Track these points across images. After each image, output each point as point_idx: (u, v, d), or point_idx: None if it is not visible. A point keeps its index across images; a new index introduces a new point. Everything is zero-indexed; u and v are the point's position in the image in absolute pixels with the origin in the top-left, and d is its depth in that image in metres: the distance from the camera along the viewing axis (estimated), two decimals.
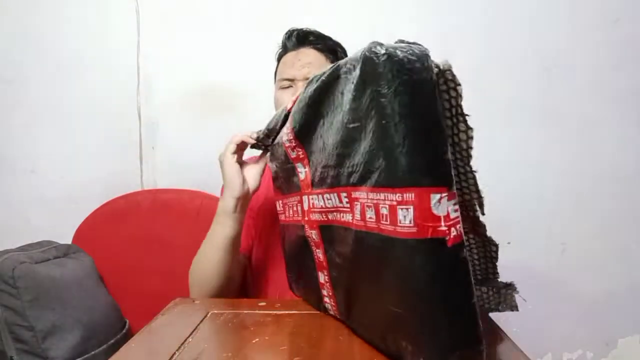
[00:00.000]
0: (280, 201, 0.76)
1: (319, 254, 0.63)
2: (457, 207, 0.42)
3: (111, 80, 1.34)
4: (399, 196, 0.42)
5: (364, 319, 0.56)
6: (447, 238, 0.41)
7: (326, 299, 0.64)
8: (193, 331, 0.61)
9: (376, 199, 0.45)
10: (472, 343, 0.43)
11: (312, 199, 0.61)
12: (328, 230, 0.59)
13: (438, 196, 0.41)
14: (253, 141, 0.77)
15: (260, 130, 0.76)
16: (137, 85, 1.35)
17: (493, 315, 0.69)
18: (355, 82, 0.46)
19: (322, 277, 0.64)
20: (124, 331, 1.13)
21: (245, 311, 0.69)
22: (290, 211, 0.71)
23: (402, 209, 0.42)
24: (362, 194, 0.48)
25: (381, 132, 0.43)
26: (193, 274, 0.84)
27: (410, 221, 0.41)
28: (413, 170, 0.41)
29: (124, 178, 1.34)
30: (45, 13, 1.33)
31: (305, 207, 0.64)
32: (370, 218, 0.47)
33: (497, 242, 0.52)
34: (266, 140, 0.75)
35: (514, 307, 0.64)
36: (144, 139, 1.35)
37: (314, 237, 0.63)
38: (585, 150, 1.35)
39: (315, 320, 0.66)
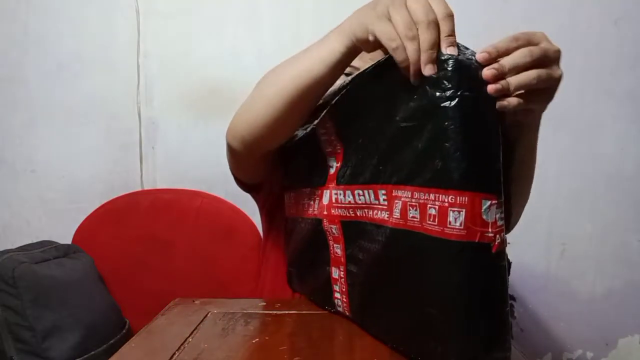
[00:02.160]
0: (290, 194, 0.75)
1: (337, 249, 0.62)
2: (502, 215, 0.43)
3: (111, 80, 1.34)
4: (452, 198, 0.43)
5: (382, 318, 0.56)
6: (492, 244, 0.43)
7: (337, 295, 0.64)
8: (193, 331, 0.61)
9: (423, 199, 0.46)
10: (502, 347, 0.44)
11: (336, 194, 0.61)
12: (352, 226, 0.59)
13: (488, 203, 0.42)
14: None
15: None
16: (137, 85, 1.35)
17: None
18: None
19: (337, 273, 0.63)
20: (124, 331, 1.13)
21: (245, 311, 0.69)
22: (303, 205, 0.70)
23: (453, 210, 0.43)
24: (406, 193, 0.48)
25: (441, 134, 0.43)
26: (252, 93, 0.65)
27: (460, 224, 0.42)
28: (470, 175, 0.42)
29: (124, 178, 1.34)
30: (45, 13, 1.33)
31: (325, 202, 0.64)
32: (413, 217, 0.47)
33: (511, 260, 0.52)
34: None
35: None
36: (144, 139, 1.35)
37: (333, 231, 0.63)
38: (585, 150, 1.35)
39: (315, 320, 0.66)
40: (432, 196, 0.45)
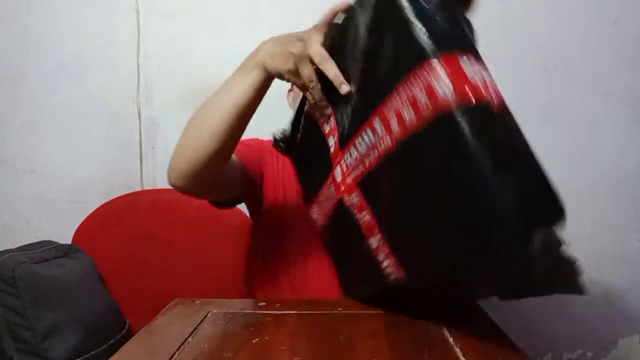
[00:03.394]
0: (314, 206, 0.74)
1: (365, 216, 0.61)
2: (490, 74, 0.45)
3: (111, 80, 1.34)
4: (428, 68, 0.44)
5: (430, 244, 0.53)
6: (491, 104, 0.43)
7: (385, 264, 0.60)
8: (193, 331, 0.61)
9: (411, 93, 0.46)
10: (554, 207, 0.45)
11: (345, 160, 0.62)
12: (368, 181, 0.59)
13: (465, 57, 0.44)
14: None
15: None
16: (137, 85, 1.34)
17: (493, 315, 0.69)
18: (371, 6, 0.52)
19: (375, 242, 0.61)
20: (124, 331, 1.13)
21: (245, 311, 0.69)
22: (325, 203, 0.70)
23: (437, 81, 0.44)
24: (395, 102, 0.49)
25: (399, 25, 0.47)
26: (184, 133, 0.73)
27: (449, 90, 0.43)
28: (433, 39, 0.45)
29: (124, 178, 1.34)
30: (45, 13, 1.33)
31: (339, 178, 0.64)
32: (410, 119, 0.48)
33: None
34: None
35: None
36: (144, 139, 1.35)
37: (355, 201, 0.62)
38: (585, 150, 1.35)
39: (315, 320, 0.66)
40: (414, 82, 0.46)
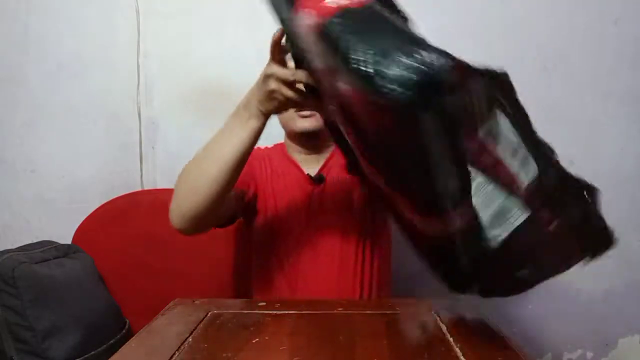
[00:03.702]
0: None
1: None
2: None
3: (111, 80, 1.34)
4: None
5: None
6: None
7: None
8: (193, 331, 0.61)
9: None
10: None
11: None
12: None
13: None
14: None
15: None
16: (137, 85, 1.34)
17: (493, 315, 0.69)
18: None
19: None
20: (123, 331, 1.13)
21: (245, 311, 0.69)
22: None
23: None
24: None
25: None
26: (184, 180, 0.79)
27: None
28: None
29: (124, 178, 1.34)
30: (45, 13, 1.33)
31: None
32: None
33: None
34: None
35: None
36: (144, 139, 1.35)
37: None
38: (585, 150, 1.35)
39: (315, 320, 0.66)
40: None
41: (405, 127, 0.47)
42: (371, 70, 0.44)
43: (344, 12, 0.51)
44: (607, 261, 1.37)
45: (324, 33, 0.51)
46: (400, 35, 0.49)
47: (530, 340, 1.38)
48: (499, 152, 0.56)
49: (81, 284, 1.08)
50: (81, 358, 0.97)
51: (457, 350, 0.55)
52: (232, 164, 0.73)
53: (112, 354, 0.54)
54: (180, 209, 0.76)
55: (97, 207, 1.25)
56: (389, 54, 0.44)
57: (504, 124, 0.56)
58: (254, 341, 0.58)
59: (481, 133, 0.60)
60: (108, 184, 1.33)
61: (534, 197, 0.54)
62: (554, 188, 0.52)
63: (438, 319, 0.67)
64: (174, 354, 0.53)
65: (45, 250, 1.08)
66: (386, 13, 0.53)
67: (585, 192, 0.53)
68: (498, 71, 0.49)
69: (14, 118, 1.34)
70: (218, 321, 0.65)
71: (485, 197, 0.54)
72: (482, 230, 0.53)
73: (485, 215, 0.55)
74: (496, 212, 0.54)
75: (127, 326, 1.15)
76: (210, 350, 0.55)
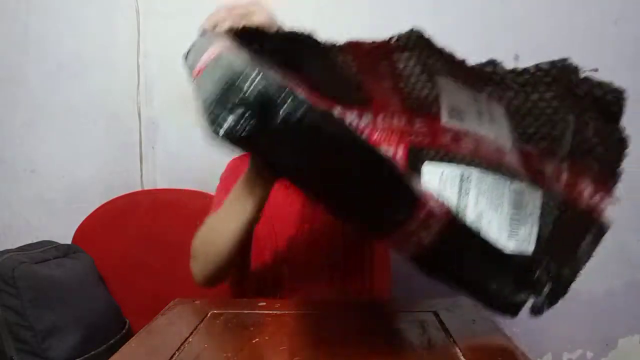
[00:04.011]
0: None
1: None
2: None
3: (111, 80, 1.34)
4: None
5: None
6: None
7: None
8: (193, 331, 0.61)
9: None
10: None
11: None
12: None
13: None
14: None
15: None
16: (137, 85, 1.34)
17: (493, 315, 0.69)
18: None
19: None
20: (123, 331, 1.13)
21: (245, 311, 0.69)
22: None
23: None
24: None
25: None
26: (201, 246, 0.78)
27: None
28: None
29: (124, 178, 1.34)
30: (45, 13, 1.33)
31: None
32: None
33: None
34: None
35: None
36: (144, 139, 1.35)
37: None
38: None
39: (315, 320, 0.66)
40: None
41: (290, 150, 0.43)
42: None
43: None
44: (607, 261, 1.38)
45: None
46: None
47: (530, 340, 1.38)
48: (469, 128, 0.53)
49: (81, 284, 1.08)
50: (81, 358, 0.97)
51: (457, 350, 0.55)
52: (246, 226, 0.72)
53: (112, 354, 0.54)
54: (202, 270, 0.77)
55: (97, 207, 1.25)
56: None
57: (448, 85, 0.53)
58: (254, 341, 0.58)
59: (444, 118, 0.58)
60: (108, 184, 1.33)
61: (524, 147, 0.50)
62: (530, 109, 0.47)
63: (438, 318, 0.67)
64: (174, 354, 0.53)
65: (45, 250, 1.08)
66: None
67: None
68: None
69: (14, 118, 1.34)
70: (218, 321, 0.65)
71: (490, 194, 0.52)
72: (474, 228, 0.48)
73: (503, 217, 0.51)
74: (512, 209, 0.51)
75: (127, 326, 1.15)
76: (210, 350, 0.55)
